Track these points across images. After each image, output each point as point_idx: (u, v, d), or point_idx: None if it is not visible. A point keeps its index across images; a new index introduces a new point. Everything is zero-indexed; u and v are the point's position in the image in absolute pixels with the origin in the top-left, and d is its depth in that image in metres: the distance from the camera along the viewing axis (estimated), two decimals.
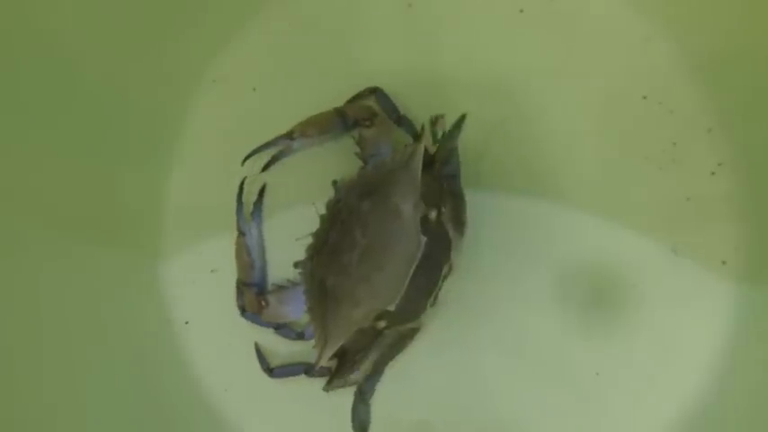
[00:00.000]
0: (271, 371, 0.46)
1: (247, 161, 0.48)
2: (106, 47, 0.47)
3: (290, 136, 0.47)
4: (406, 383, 0.47)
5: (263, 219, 0.48)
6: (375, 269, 0.40)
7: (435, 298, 0.42)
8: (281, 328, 0.46)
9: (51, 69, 0.45)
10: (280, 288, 0.47)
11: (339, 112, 0.46)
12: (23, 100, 0.45)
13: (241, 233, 0.47)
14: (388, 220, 0.40)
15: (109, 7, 0.46)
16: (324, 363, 0.42)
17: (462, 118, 0.44)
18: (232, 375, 0.48)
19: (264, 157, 0.48)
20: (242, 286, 0.47)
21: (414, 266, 0.40)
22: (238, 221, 0.47)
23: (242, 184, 0.48)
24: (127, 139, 0.48)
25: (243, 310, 0.46)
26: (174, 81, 0.49)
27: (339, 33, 0.49)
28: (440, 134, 0.43)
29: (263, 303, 0.46)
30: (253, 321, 0.46)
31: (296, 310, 0.45)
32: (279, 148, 0.48)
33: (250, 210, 0.48)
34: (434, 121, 0.44)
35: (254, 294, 0.46)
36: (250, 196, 0.49)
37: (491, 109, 0.47)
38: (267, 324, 0.46)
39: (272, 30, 0.49)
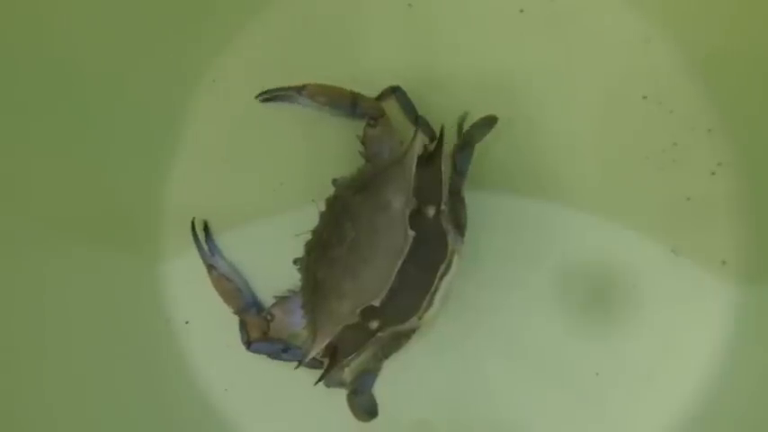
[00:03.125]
0: (249, 344, 0.46)
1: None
2: (106, 47, 0.47)
3: (299, 90, 0.47)
4: (406, 383, 0.47)
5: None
6: (362, 263, 0.40)
7: (432, 299, 0.42)
8: (287, 351, 0.45)
9: (51, 69, 0.45)
10: (282, 299, 0.46)
11: (353, 97, 0.46)
12: (23, 100, 0.45)
13: (210, 267, 0.47)
14: (377, 213, 0.41)
15: (109, 7, 0.46)
16: (313, 356, 0.42)
17: (494, 119, 0.44)
18: (232, 375, 0.48)
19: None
20: (241, 315, 0.46)
21: (400, 261, 0.40)
22: (202, 257, 0.48)
23: (192, 223, 0.48)
24: (127, 139, 0.48)
25: (248, 345, 0.46)
26: (174, 81, 0.49)
27: (339, 33, 0.49)
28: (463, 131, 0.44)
29: (269, 318, 0.45)
30: (260, 352, 0.46)
31: (301, 318, 0.44)
32: (286, 93, 0.48)
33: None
34: (462, 120, 0.44)
35: (255, 315, 0.46)
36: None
37: (490, 109, 0.47)
38: (275, 347, 0.45)
39: (272, 30, 0.49)
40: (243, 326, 0.46)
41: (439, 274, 0.41)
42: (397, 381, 0.47)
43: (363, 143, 0.46)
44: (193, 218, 0.48)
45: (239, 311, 0.46)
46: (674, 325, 0.46)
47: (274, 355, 0.45)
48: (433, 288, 0.42)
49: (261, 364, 0.46)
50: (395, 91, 0.46)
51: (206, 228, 0.49)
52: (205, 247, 0.48)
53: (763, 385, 0.45)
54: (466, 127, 0.45)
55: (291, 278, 0.45)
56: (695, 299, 0.46)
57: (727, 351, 0.46)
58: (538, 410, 0.46)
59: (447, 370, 0.47)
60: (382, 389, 0.44)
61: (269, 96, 0.48)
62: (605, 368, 0.46)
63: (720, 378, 0.46)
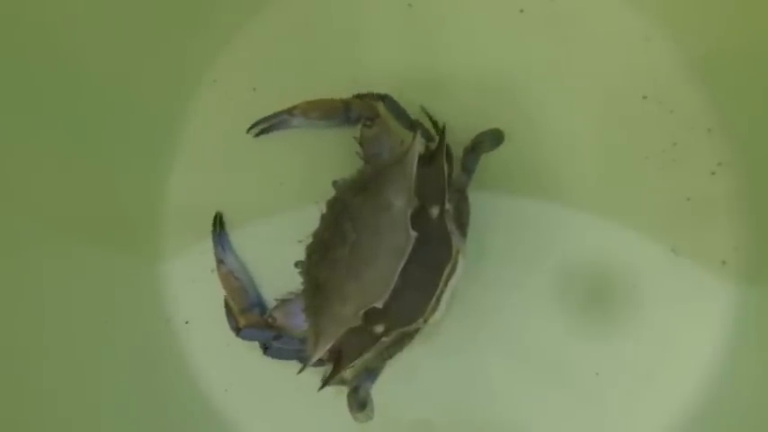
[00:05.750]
0: (238, 330, 0.46)
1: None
2: (107, 47, 0.47)
3: (290, 111, 0.47)
4: (406, 383, 0.47)
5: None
6: (364, 264, 0.40)
7: (438, 301, 0.41)
8: (279, 339, 0.45)
9: (51, 69, 0.45)
10: (283, 302, 0.46)
11: (345, 104, 0.46)
12: (24, 100, 0.45)
13: (220, 261, 0.47)
14: (378, 214, 0.40)
15: (109, 8, 0.46)
16: (316, 359, 0.42)
17: (502, 137, 0.45)
18: (232, 375, 0.48)
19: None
20: (243, 314, 0.46)
21: (403, 261, 0.39)
22: (215, 252, 0.48)
23: (215, 218, 0.48)
24: (127, 139, 0.48)
25: (237, 331, 0.46)
26: (174, 81, 0.49)
27: (339, 33, 0.49)
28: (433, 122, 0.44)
29: (270, 320, 0.45)
30: (250, 338, 0.46)
31: (304, 320, 0.44)
32: (278, 119, 0.48)
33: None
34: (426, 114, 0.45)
35: (257, 316, 0.46)
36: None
37: (490, 109, 0.47)
38: (266, 335, 0.45)
39: (272, 30, 0.49)
40: (230, 312, 0.46)
41: (444, 275, 0.41)
42: (398, 381, 0.47)
43: (361, 144, 0.46)
44: (216, 212, 0.48)
45: (242, 310, 0.46)
46: (674, 325, 0.46)
47: (267, 346, 0.45)
48: (438, 290, 0.41)
49: (261, 364, 0.46)
50: (382, 99, 0.46)
51: (221, 222, 0.49)
52: (217, 241, 0.48)
53: (763, 385, 0.45)
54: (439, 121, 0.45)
55: (292, 279, 0.45)
56: (695, 299, 0.46)
57: (727, 351, 0.46)
58: (538, 410, 0.46)
59: (447, 370, 0.47)
60: (382, 389, 0.44)
61: (264, 127, 0.48)
62: (605, 368, 0.46)
63: (720, 378, 0.46)
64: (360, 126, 0.46)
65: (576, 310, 0.47)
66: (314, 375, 0.44)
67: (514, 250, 0.47)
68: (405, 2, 0.49)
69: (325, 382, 0.42)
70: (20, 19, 0.44)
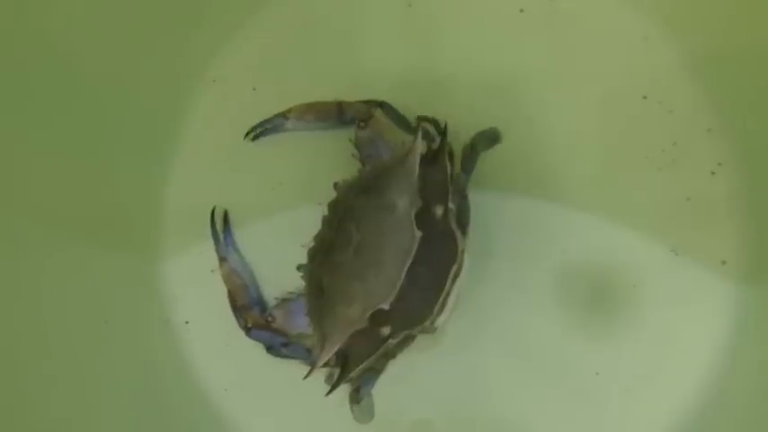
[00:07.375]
0: (248, 330, 0.46)
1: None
2: (106, 46, 0.47)
3: (285, 115, 0.47)
4: (406, 383, 0.47)
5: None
6: (369, 265, 0.40)
7: (444, 302, 0.41)
8: (287, 346, 0.45)
9: (51, 69, 0.45)
10: (284, 300, 0.46)
11: (339, 106, 0.46)
12: (23, 100, 0.45)
13: (222, 259, 0.47)
14: (382, 214, 0.40)
15: (109, 7, 0.46)
16: (322, 363, 0.41)
17: (499, 137, 0.45)
18: (232, 375, 0.48)
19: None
20: (243, 312, 0.46)
21: (408, 262, 0.39)
22: (216, 248, 0.48)
23: (212, 212, 0.48)
24: (127, 139, 0.48)
25: (248, 330, 0.46)
26: (174, 81, 0.49)
27: (339, 33, 0.49)
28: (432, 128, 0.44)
29: (270, 319, 0.45)
30: (260, 340, 0.45)
31: (304, 320, 0.44)
32: (273, 122, 0.48)
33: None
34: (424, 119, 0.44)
35: (257, 314, 0.46)
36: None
37: (490, 109, 0.47)
38: (276, 339, 0.45)
39: (272, 30, 0.49)
40: (239, 313, 0.46)
41: (451, 275, 0.41)
42: (398, 381, 0.46)
43: (356, 146, 0.46)
44: (214, 206, 0.48)
45: (242, 308, 0.46)
46: (674, 325, 0.46)
47: (274, 350, 0.45)
48: (445, 291, 0.41)
49: (261, 364, 0.46)
50: (380, 105, 0.46)
51: (225, 219, 0.48)
52: (221, 238, 0.48)
53: (763, 385, 0.45)
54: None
55: (291, 279, 0.45)
56: (695, 299, 0.46)
57: (727, 351, 0.46)
58: (538, 410, 0.46)
59: (447, 370, 0.47)
60: (383, 389, 0.44)
61: (259, 131, 0.48)
62: (605, 368, 0.46)
63: (720, 378, 0.46)
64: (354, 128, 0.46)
65: (576, 310, 0.47)
66: (314, 375, 0.44)
67: (514, 250, 0.47)
68: (404, 2, 0.49)
69: (333, 387, 0.42)
70: (18, 18, 0.44)
